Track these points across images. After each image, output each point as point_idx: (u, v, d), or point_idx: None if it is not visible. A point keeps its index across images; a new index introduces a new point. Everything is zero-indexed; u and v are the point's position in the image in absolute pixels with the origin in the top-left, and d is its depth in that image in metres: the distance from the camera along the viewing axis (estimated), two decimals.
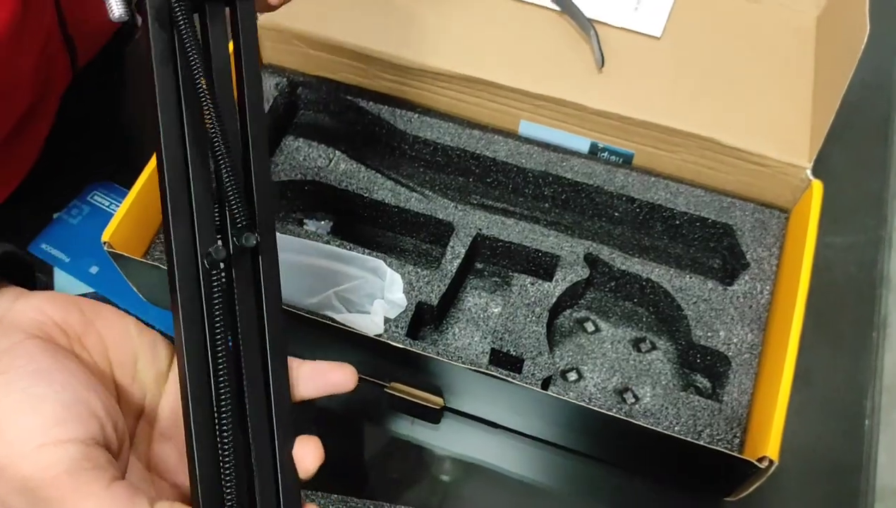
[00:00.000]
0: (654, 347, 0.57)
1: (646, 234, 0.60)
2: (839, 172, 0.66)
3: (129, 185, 0.54)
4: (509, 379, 0.48)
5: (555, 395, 0.47)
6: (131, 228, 0.54)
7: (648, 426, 0.47)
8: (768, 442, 0.45)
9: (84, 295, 0.58)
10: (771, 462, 0.44)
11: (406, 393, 0.54)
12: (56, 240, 0.63)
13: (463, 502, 0.54)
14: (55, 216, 0.65)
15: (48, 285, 0.62)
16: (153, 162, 0.53)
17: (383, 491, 0.55)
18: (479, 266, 0.60)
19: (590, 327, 0.58)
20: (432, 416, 0.56)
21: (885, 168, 0.68)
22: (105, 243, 0.51)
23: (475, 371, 0.48)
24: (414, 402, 0.55)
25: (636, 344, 0.57)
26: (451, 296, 0.57)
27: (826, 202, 0.54)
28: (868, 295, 0.63)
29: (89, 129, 0.70)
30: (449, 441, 0.56)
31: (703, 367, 0.54)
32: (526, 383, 0.49)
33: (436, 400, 0.55)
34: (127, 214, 0.53)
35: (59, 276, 0.62)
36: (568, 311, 0.58)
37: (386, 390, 0.55)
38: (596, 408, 0.47)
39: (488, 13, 0.64)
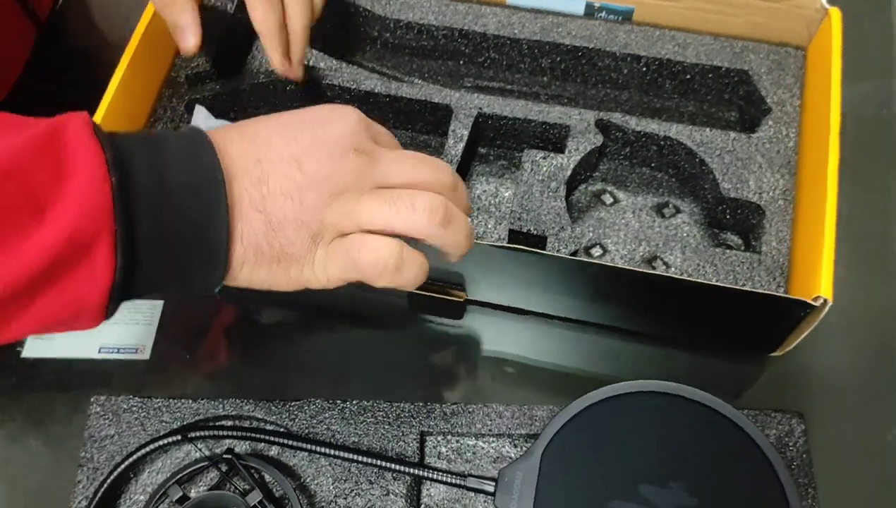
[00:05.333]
0: (678, 211, 0.53)
1: (655, 95, 0.56)
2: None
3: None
4: (538, 251, 0.45)
5: (589, 261, 0.44)
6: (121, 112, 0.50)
7: (693, 279, 0.44)
8: (820, 282, 0.42)
9: None
10: (825, 300, 0.42)
11: (427, 289, 0.51)
12: None
13: (495, 394, 0.52)
14: None
15: None
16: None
17: (411, 391, 0.52)
18: (482, 151, 0.56)
19: (608, 199, 0.54)
20: (455, 312, 0.53)
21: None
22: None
23: (502, 247, 0.44)
24: (436, 299, 0.52)
25: (659, 209, 0.54)
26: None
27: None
28: (891, 134, 0.60)
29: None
30: (475, 334, 0.54)
31: (734, 223, 0.51)
32: None
33: (458, 294, 0.52)
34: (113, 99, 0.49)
35: None
36: (583, 186, 0.55)
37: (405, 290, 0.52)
38: (635, 269, 0.44)
39: None
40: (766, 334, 0.47)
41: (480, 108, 0.53)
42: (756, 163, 0.50)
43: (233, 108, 0.55)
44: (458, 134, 0.52)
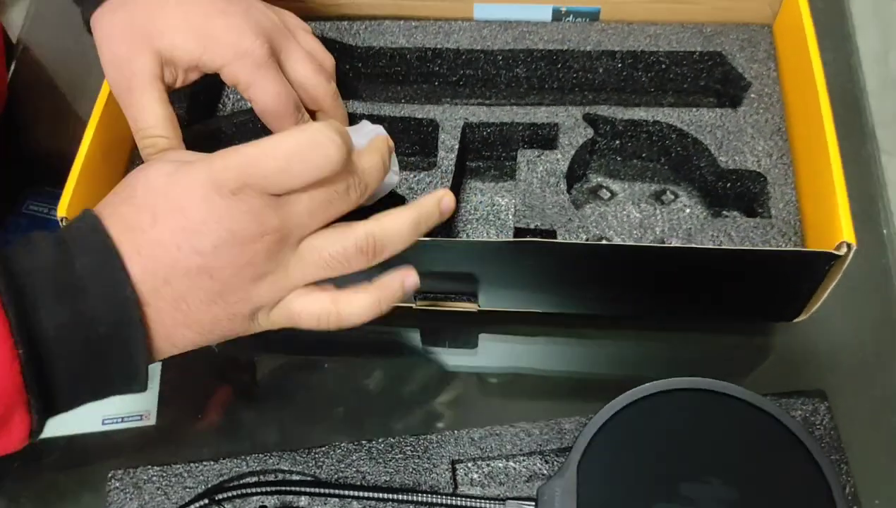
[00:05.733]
0: (676, 196, 0.53)
1: (633, 91, 0.57)
2: None
3: (61, 186, 0.46)
4: (553, 240, 0.44)
5: (607, 243, 0.43)
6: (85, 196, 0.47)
7: (718, 246, 0.43)
8: (841, 229, 0.42)
9: None
10: (849, 246, 0.41)
11: (437, 304, 0.49)
12: None
13: (520, 412, 0.50)
14: None
15: None
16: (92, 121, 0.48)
17: (435, 421, 0.51)
18: (472, 165, 0.55)
19: (605, 194, 0.54)
20: (467, 336, 0.52)
21: None
22: (61, 219, 0.45)
23: (513, 242, 0.43)
24: (448, 324, 0.50)
25: (657, 197, 0.53)
26: (455, 195, 0.52)
27: None
28: (855, 105, 0.61)
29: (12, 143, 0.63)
30: (490, 356, 0.53)
31: (736, 197, 0.51)
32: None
33: (470, 306, 0.50)
34: (77, 185, 0.46)
35: None
36: (577, 184, 0.54)
37: (416, 307, 0.50)
38: (654, 244, 0.43)
39: None
40: (790, 297, 0.47)
41: (466, 119, 0.52)
42: (748, 134, 0.51)
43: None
44: (449, 144, 0.51)
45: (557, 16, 0.57)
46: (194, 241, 0.34)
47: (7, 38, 0.65)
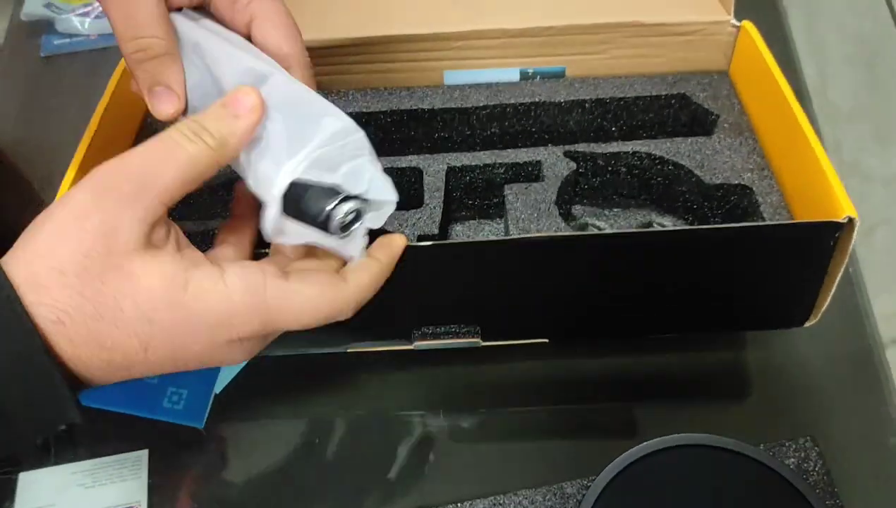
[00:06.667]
0: (663, 226, 0.53)
1: (606, 138, 0.58)
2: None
3: None
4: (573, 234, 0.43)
5: (628, 231, 0.42)
6: None
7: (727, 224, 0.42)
8: (841, 207, 0.42)
9: None
10: (851, 218, 0.41)
11: (437, 336, 0.47)
12: None
13: (521, 479, 0.48)
14: None
15: None
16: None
17: (434, 495, 0.48)
18: (457, 214, 0.55)
19: (592, 230, 0.54)
20: (464, 397, 0.51)
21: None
22: None
23: (542, 238, 0.42)
24: (448, 350, 0.47)
25: (645, 229, 0.53)
26: (444, 233, 0.51)
27: None
28: None
29: None
30: (485, 424, 0.52)
31: (725, 215, 0.51)
32: None
33: (472, 341, 0.48)
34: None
35: None
36: (563, 225, 0.54)
37: (415, 342, 0.47)
38: (674, 228, 0.42)
39: None
40: (797, 292, 0.46)
41: (448, 163, 0.53)
42: (725, 155, 0.52)
43: None
44: (434, 185, 0.51)
45: (525, 76, 0.59)
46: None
47: None
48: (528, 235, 0.43)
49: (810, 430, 0.49)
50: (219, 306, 0.32)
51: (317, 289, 0.35)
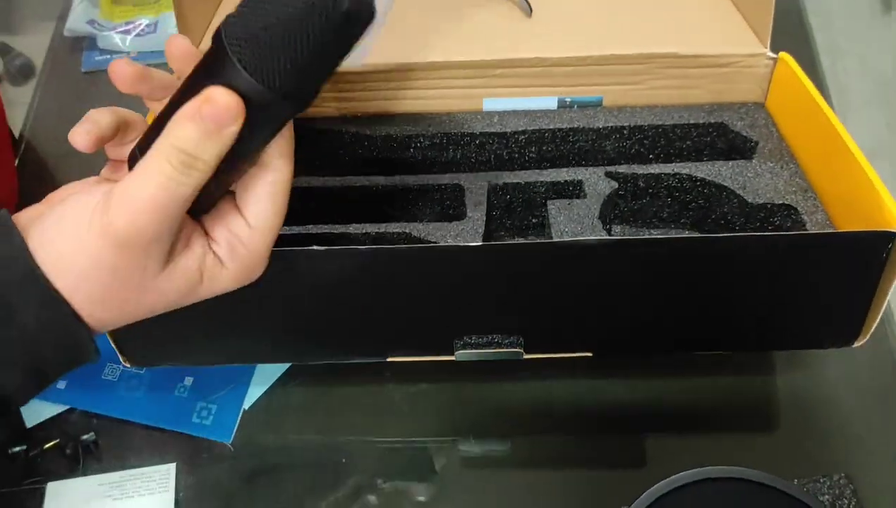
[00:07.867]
0: None
1: (643, 163, 0.58)
2: None
3: None
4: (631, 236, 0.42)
5: (676, 236, 0.42)
6: None
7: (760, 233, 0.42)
8: (893, 216, 0.42)
9: None
10: None
11: (479, 346, 0.46)
12: None
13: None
14: None
15: None
16: None
17: None
18: (497, 233, 0.55)
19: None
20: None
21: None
22: None
23: (592, 241, 0.42)
24: (484, 368, 0.47)
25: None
26: None
27: None
28: None
29: None
30: (505, 460, 0.52)
31: None
32: None
33: (514, 351, 0.47)
34: None
35: None
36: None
37: (457, 352, 0.46)
38: (723, 235, 0.42)
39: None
40: (846, 307, 0.45)
41: (490, 181, 0.53)
42: (766, 178, 0.52)
43: None
44: (476, 199, 0.51)
45: (562, 105, 0.60)
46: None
47: (11, 134, 0.68)
48: (579, 239, 0.43)
49: (843, 464, 0.48)
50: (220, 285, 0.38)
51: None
